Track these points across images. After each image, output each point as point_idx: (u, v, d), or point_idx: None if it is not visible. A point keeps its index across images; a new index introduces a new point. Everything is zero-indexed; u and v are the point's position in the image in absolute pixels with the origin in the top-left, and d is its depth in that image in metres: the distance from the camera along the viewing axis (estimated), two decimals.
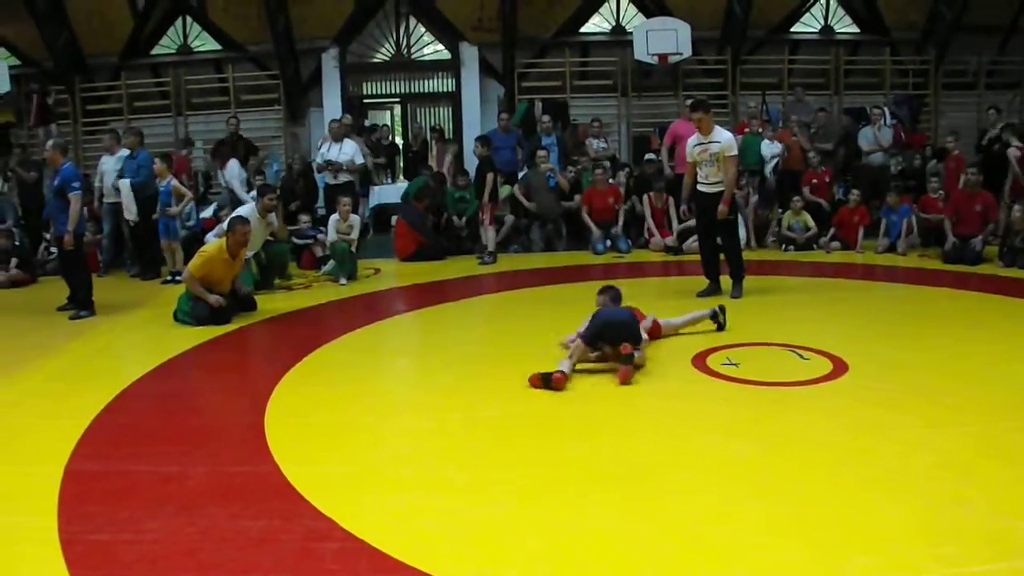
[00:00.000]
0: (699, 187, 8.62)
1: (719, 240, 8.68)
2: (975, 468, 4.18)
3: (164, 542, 3.53)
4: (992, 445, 4.48)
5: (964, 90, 16.29)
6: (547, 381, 5.54)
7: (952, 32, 15.66)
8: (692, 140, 8.69)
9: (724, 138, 8.48)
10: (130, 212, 10.62)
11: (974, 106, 15.76)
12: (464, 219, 12.07)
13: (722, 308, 7.22)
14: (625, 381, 5.68)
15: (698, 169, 8.59)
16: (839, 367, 5.94)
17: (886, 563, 3.28)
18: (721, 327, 7.10)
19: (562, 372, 5.62)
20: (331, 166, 11.84)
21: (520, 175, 12.53)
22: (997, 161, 11.78)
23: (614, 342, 5.90)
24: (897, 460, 4.30)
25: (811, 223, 11.79)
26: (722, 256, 8.72)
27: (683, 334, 6.99)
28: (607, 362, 6.00)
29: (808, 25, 16.44)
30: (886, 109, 14.22)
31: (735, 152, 8.55)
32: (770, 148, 12.89)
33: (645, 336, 6.28)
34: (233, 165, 12.48)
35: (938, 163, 12.88)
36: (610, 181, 12.33)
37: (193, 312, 7.75)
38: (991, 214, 10.60)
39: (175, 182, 10.44)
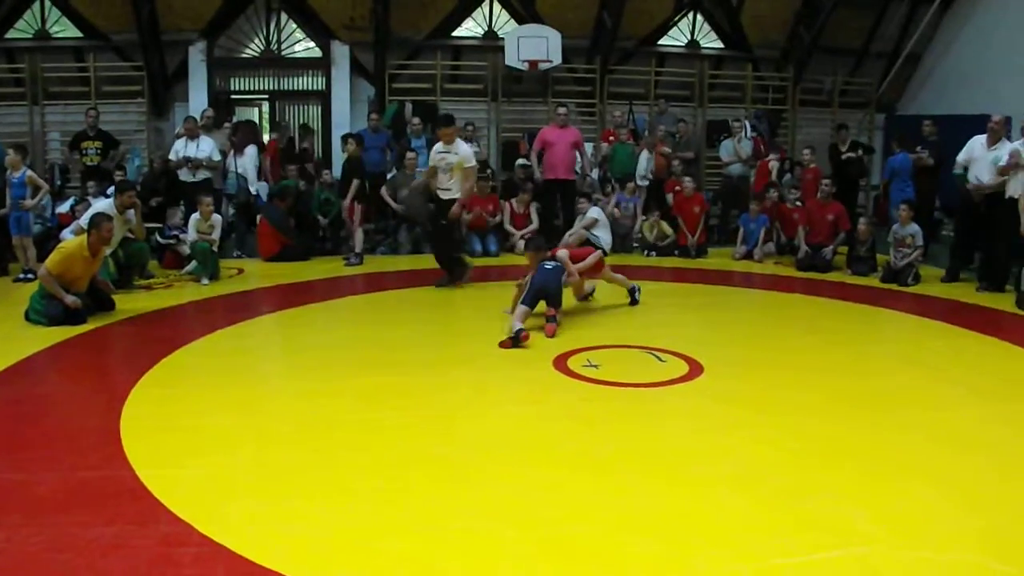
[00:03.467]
0: (437, 192, 9.42)
1: (438, 241, 9.70)
2: (819, 462, 4.46)
3: (9, 552, 3.40)
4: (834, 441, 4.79)
5: (820, 107, 17.07)
6: (516, 341, 6.79)
7: (810, 52, 16.36)
8: (436, 147, 9.46)
9: (463, 151, 9.21)
10: None
11: (828, 122, 16.49)
12: (328, 220, 11.95)
13: (638, 288, 8.64)
14: (551, 335, 7.10)
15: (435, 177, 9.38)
16: (695, 368, 6.18)
17: (733, 554, 3.45)
18: (635, 302, 8.52)
19: (525, 331, 6.89)
20: (190, 163, 11.57)
21: (389, 176, 12.47)
22: (849, 175, 12.47)
23: (547, 301, 7.38)
24: (746, 456, 4.53)
25: (668, 231, 12.15)
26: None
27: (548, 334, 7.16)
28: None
29: (675, 39, 16.84)
30: (747, 122, 14.71)
31: (472, 164, 9.33)
32: (649, 162, 13.13)
33: (574, 275, 8.02)
34: (252, 151, 12.29)
35: (792, 176, 13.39)
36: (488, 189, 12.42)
37: (47, 311, 7.44)
38: (842, 224, 11.11)
39: (30, 172, 9.98)
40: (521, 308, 7.25)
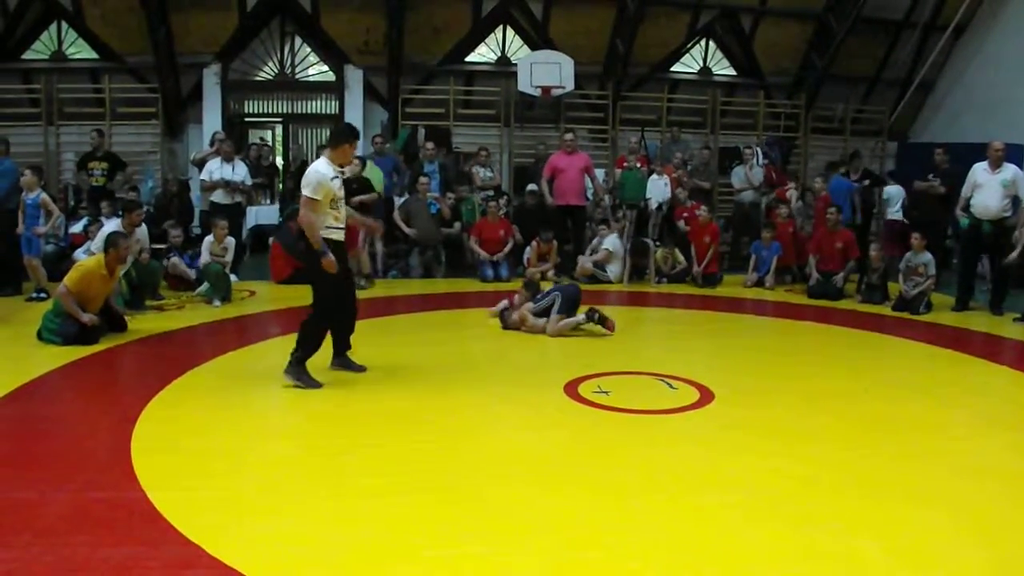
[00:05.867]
0: (331, 234, 6.41)
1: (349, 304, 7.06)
2: (830, 490, 4.44)
3: (19, 572, 3.40)
4: (845, 470, 4.76)
5: (831, 135, 17.09)
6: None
7: (821, 80, 16.41)
8: (329, 172, 6.35)
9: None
10: None
11: (840, 150, 16.50)
12: None
13: (594, 310, 8.41)
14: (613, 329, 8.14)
15: (332, 210, 6.42)
16: (706, 396, 6.15)
17: None
18: (602, 323, 8.31)
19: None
20: (229, 186, 11.61)
21: (400, 201, 12.50)
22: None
23: (575, 308, 8.31)
24: (758, 484, 4.50)
25: (681, 259, 12.11)
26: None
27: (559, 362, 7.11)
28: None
29: (687, 65, 16.90)
30: (758, 149, 14.72)
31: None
32: (663, 191, 13.14)
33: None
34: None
35: (804, 203, 13.37)
36: (500, 214, 12.42)
37: (61, 330, 7.44)
38: (851, 252, 11.10)
39: (44, 195, 10.03)
40: (562, 318, 8.19)
